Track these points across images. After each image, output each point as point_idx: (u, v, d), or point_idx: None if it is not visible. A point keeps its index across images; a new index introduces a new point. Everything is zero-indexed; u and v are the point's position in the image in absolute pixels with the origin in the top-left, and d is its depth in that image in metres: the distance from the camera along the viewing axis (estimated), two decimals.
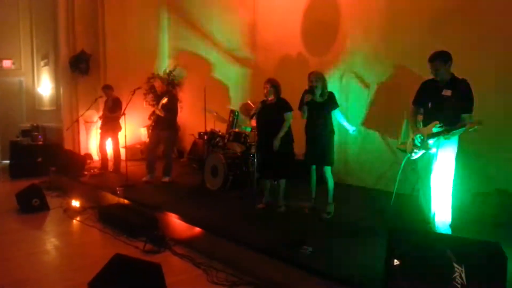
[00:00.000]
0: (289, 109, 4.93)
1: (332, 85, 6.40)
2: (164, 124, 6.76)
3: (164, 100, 6.61)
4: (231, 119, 7.33)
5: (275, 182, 5.19)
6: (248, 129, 6.03)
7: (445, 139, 3.63)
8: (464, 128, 3.50)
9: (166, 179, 6.90)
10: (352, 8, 6.53)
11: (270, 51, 7.78)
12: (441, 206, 3.76)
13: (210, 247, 4.32)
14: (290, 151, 5.06)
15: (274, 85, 4.96)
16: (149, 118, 7.14)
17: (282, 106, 4.94)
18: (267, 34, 7.89)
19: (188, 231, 4.64)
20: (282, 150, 4.88)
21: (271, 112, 4.96)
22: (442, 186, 3.73)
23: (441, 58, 3.67)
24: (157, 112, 6.68)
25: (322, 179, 4.80)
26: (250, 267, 3.81)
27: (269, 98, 4.98)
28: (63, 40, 9.80)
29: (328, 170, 4.77)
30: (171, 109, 6.76)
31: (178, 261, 4.22)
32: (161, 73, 10.24)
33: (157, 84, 7.20)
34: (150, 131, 7.20)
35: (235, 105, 7.06)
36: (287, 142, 4.97)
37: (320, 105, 4.73)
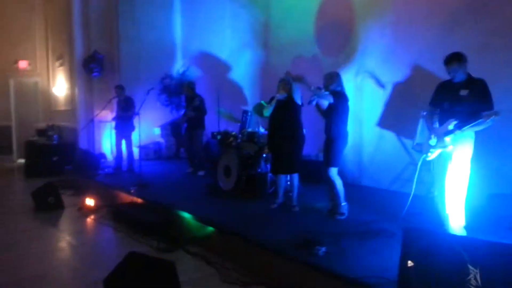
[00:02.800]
0: (301, 104, 5.02)
1: (347, 85, 6.39)
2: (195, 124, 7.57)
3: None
4: (244, 119, 7.34)
5: (288, 182, 5.20)
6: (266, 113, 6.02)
7: (461, 131, 3.58)
8: (480, 120, 3.44)
9: (202, 173, 7.54)
10: (366, 7, 6.51)
11: (283, 51, 7.78)
12: (455, 209, 3.73)
13: (223, 246, 4.34)
14: (299, 149, 5.07)
15: (287, 82, 4.99)
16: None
17: (294, 102, 4.99)
18: (281, 34, 7.89)
19: (201, 230, 4.65)
20: (291, 145, 4.94)
21: (283, 109, 5.00)
22: (456, 188, 3.70)
23: (456, 60, 3.67)
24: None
25: (328, 180, 4.72)
26: (263, 267, 3.80)
27: (283, 95, 4.99)
28: (78, 41, 9.94)
29: (333, 171, 4.68)
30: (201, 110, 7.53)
31: (191, 260, 4.24)
32: (174, 74, 10.31)
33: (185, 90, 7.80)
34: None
35: (249, 105, 7.09)
36: (295, 137, 5.00)
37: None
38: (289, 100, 5.00)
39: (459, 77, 3.70)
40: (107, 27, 9.97)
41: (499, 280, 2.49)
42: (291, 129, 4.99)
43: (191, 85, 7.66)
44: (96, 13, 9.92)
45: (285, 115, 5.00)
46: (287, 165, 5.04)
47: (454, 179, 3.68)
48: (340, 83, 4.70)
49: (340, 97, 4.65)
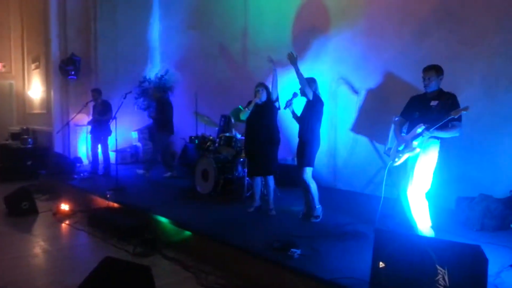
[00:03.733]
0: (278, 108, 5.15)
1: (322, 91, 6.51)
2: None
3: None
4: (222, 123, 7.38)
5: (263, 182, 5.27)
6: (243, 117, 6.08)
7: (430, 132, 3.71)
8: (450, 118, 3.57)
9: (168, 174, 7.85)
10: (340, 15, 6.65)
11: (261, 56, 7.85)
12: (420, 211, 3.87)
13: (200, 250, 4.36)
14: (275, 151, 5.16)
15: (265, 87, 5.11)
16: None
17: (271, 105, 5.09)
18: (258, 39, 7.97)
19: (178, 234, 4.66)
20: (268, 150, 5.03)
21: (261, 113, 5.08)
22: (419, 191, 3.84)
23: (434, 70, 3.86)
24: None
25: (303, 183, 4.79)
26: (240, 269, 3.85)
27: (262, 100, 5.08)
28: (54, 43, 9.79)
29: (307, 172, 4.73)
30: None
31: (168, 264, 4.24)
32: (152, 77, 10.27)
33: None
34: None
35: (227, 109, 7.12)
36: (272, 140, 5.10)
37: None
38: (266, 104, 5.09)
39: (432, 87, 3.86)
40: (84, 29, 9.87)
41: (466, 279, 2.61)
42: (267, 132, 5.07)
43: (159, 89, 7.95)
44: (73, 14, 9.81)
45: (262, 119, 5.07)
46: (263, 167, 5.11)
47: (418, 182, 3.82)
48: (316, 88, 4.81)
49: (317, 100, 4.75)
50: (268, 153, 5.08)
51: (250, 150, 5.23)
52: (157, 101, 7.87)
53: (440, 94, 3.88)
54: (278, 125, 5.17)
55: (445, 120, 3.61)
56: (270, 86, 5.10)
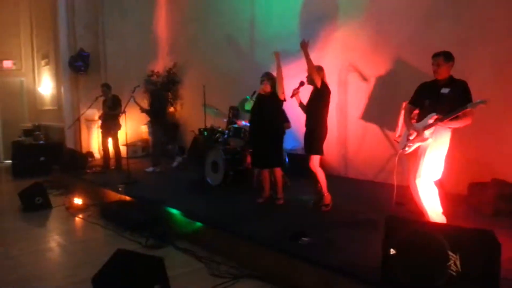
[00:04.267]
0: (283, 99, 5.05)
1: (331, 80, 6.45)
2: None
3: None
4: (230, 115, 7.37)
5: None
6: (248, 107, 6.07)
7: (443, 125, 3.67)
8: (465, 106, 3.52)
9: (150, 169, 7.74)
10: (349, 1, 6.56)
11: (268, 46, 7.81)
12: (429, 199, 3.83)
13: (212, 241, 4.39)
14: (278, 141, 5.12)
15: (270, 77, 5.04)
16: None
17: (276, 97, 5.01)
18: (266, 29, 7.92)
19: (190, 225, 4.70)
20: (273, 140, 5.00)
21: (266, 104, 5.04)
22: (429, 178, 3.79)
23: (445, 55, 3.77)
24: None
25: (311, 171, 4.79)
26: (251, 259, 3.87)
27: (266, 90, 5.04)
28: (63, 39, 9.85)
29: (314, 160, 4.71)
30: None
31: (180, 255, 4.28)
32: (161, 71, 10.30)
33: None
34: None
35: (235, 101, 7.11)
36: (276, 132, 5.07)
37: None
38: (271, 95, 5.04)
39: (441, 73, 3.78)
40: (92, 25, 9.91)
41: (477, 264, 2.58)
42: (271, 124, 5.02)
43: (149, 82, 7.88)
44: (81, 10, 9.85)
45: (266, 110, 5.03)
46: (267, 159, 5.09)
47: (427, 171, 3.78)
48: (323, 76, 4.76)
49: (324, 88, 4.71)
50: (271, 144, 5.03)
51: (254, 142, 5.21)
52: (150, 94, 7.83)
53: (451, 81, 3.79)
54: (285, 115, 5.11)
55: (460, 112, 3.54)
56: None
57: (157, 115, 7.85)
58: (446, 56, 3.77)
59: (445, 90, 3.76)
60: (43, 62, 11.48)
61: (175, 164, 7.91)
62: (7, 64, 11.97)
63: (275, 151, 5.08)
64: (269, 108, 5.02)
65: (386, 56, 6.05)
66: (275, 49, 5.03)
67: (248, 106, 5.13)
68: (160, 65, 10.52)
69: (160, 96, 8.12)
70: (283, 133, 5.17)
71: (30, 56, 12.19)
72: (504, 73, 4.87)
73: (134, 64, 9.89)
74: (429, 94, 3.88)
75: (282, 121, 5.16)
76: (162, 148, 8.42)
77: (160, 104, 7.88)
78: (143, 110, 7.68)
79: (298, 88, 4.74)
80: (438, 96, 3.78)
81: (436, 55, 3.81)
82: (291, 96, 4.78)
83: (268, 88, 5.02)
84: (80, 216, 5.95)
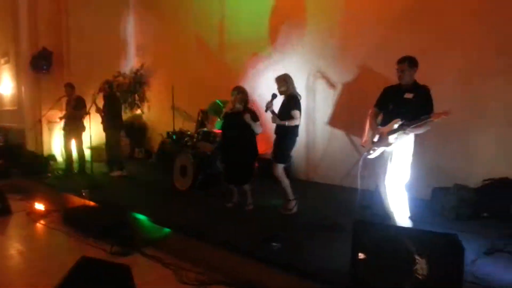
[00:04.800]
0: (257, 119, 4.92)
1: (299, 85, 6.50)
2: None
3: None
4: (199, 118, 7.31)
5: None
6: (218, 126, 6.02)
7: (405, 133, 3.77)
8: (425, 117, 3.62)
9: (117, 173, 7.52)
10: (317, 8, 6.65)
11: (238, 50, 7.82)
12: (398, 202, 3.94)
13: (179, 247, 4.32)
14: (252, 161, 5.10)
15: (241, 92, 4.95)
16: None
17: (250, 116, 4.86)
18: (235, 32, 7.92)
19: (157, 231, 4.61)
20: (245, 161, 4.96)
21: (237, 122, 4.88)
22: (397, 184, 3.90)
23: (409, 61, 3.87)
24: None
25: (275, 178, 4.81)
26: (219, 265, 3.83)
27: (236, 107, 4.94)
28: (25, 37, 9.50)
29: (279, 168, 4.74)
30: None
31: (147, 262, 4.19)
32: (127, 72, 10.10)
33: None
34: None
35: (205, 103, 7.06)
36: (251, 153, 5.02)
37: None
38: (243, 112, 4.89)
39: (405, 79, 3.89)
40: (56, 22, 9.59)
41: (444, 268, 2.66)
42: (244, 143, 4.93)
43: (107, 83, 7.50)
44: (44, 7, 9.52)
45: (240, 128, 4.87)
46: (242, 177, 5.04)
47: (395, 176, 3.88)
48: (293, 85, 4.80)
49: (294, 100, 4.74)
50: (243, 164, 4.98)
51: (226, 158, 5.14)
52: (107, 96, 7.45)
53: (415, 87, 3.90)
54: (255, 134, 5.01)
55: (424, 122, 3.64)
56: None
57: (116, 118, 7.52)
58: (411, 62, 3.87)
59: (409, 95, 3.87)
60: (2, 61, 11.02)
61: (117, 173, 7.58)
62: None
63: (246, 170, 5.02)
64: (241, 126, 4.85)
65: (353, 63, 6.17)
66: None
67: (218, 125, 5.03)
68: (127, 66, 10.31)
69: (118, 98, 7.85)
70: (256, 154, 5.07)
71: None
72: (469, 82, 5.07)
73: (99, 64, 9.62)
74: (393, 98, 3.98)
75: (255, 139, 5.02)
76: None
77: (116, 107, 7.55)
78: (99, 111, 7.41)
79: (271, 102, 4.73)
80: (402, 101, 3.88)
81: (400, 61, 3.90)
82: (266, 111, 4.71)
83: (239, 105, 4.91)
84: (42, 222, 5.72)
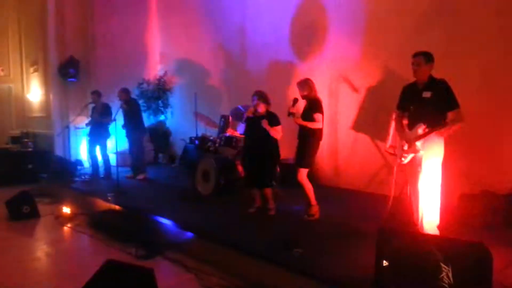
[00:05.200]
0: (278, 124, 4.93)
1: (322, 90, 6.47)
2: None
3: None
4: (222, 123, 7.36)
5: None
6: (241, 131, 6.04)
7: (428, 133, 3.68)
8: (444, 124, 3.56)
9: (141, 177, 7.78)
10: (339, 12, 6.62)
11: (259, 55, 7.85)
12: (429, 208, 3.83)
13: (202, 251, 4.34)
14: (274, 165, 5.11)
15: (262, 97, 4.95)
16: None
17: (271, 120, 4.89)
18: (256, 38, 7.95)
19: (180, 235, 4.65)
20: (266, 164, 4.96)
21: (259, 126, 4.88)
22: (430, 189, 3.80)
23: (424, 55, 3.78)
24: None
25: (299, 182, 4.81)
26: (241, 270, 3.84)
27: (259, 111, 4.96)
28: (52, 46, 9.77)
29: (302, 173, 4.74)
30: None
31: (170, 266, 4.23)
32: (151, 79, 10.27)
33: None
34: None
35: (226, 109, 7.11)
36: (273, 156, 5.03)
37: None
38: (267, 116, 4.93)
39: (422, 75, 3.79)
40: (82, 32, 9.84)
41: (471, 277, 2.59)
42: (266, 147, 4.94)
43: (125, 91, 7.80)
44: (71, 17, 9.78)
45: (261, 132, 4.87)
46: (260, 181, 5.04)
47: (426, 182, 3.79)
48: (313, 89, 4.79)
49: (317, 103, 4.73)
50: (266, 168, 4.97)
51: (248, 163, 5.15)
52: (126, 103, 7.68)
53: (431, 83, 3.79)
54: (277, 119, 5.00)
55: (446, 127, 3.56)
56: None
57: (139, 123, 7.85)
58: (426, 56, 3.78)
59: (426, 94, 3.77)
60: (32, 69, 11.36)
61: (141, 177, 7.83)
62: None
63: (268, 174, 5.01)
64: (262, 130, 4.86)
65: (376, 66, 6.09)
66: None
67: (240, 129, 5.07)
68: (151, 73, 10.48)
69: (138, 103, 8.14)
70: (279, 156, 5.09)
71: (18, 63, 12.05)
72: (494, 84, 4.93)
73: (124, 72, 9.82)
74: (412, 99, 3.89)
75: (276, 144, 5.03)
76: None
77: (136, 112, 7.83)
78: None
79: (293, 106, 4.74)
80: (421, 101, 3.79)
81: (416, 55, 3.81)
82: (288, 115, 4.74)
83: (262, 108, 4.94)
84: (69, 225, 5.86)
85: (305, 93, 4.76)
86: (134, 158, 7.93)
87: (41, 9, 10.02)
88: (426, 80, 3.81)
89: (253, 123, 4.99)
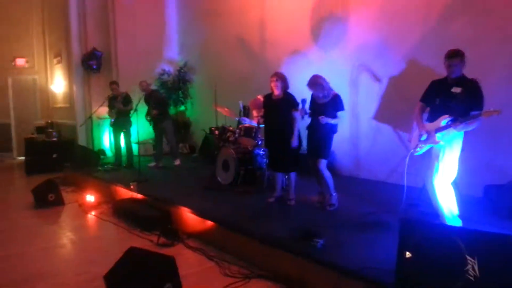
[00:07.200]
0: (296, 106, 4.87)
1: (342, 80, 6.39)
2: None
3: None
4: (241, 113, 7.35)
5: (286, 177, 5.24)
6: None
7: (454, 130, 3.62)
8: (475, 113, 3.47)
9: (178, 162, 8.23)
10: (360, 1, 6.49)
11: (279, 46, 7.78)
12: (446, 201, 3.78)
13: (222, 240, 4.37)
14: (296, 148, 5.05)
15: (281, 79, 4.91)
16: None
17: (289, 102, 4.88)
18: (276, 29, 7.88)
19: (201, 224, 4.69)
20: (288, 147, 4.91)
21: (278, 107, 4.93)
22: (445, 180, 3.74)
23: (460, 56, 3.70)
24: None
25: (318, 172, 4.79)
26: (262, 260, 3.84)
27: (276, 93, 4.96)
28: (75, 38, 9.94)
29: (322, 163, 4.73)
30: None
31: (191, 254, 4.28)
32: (171, 70, 10.32)
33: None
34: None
35: (246, 100, 7.09)
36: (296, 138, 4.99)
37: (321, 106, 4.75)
38: (283, 98, 4.92)
39: (456, 74, 3.72)
40: (104, 23, 9.96)
41: (496, 269, 2.53)
42: (288, 129, 4.89)
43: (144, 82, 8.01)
44: (92, 9, 9.91)
45: (280, 114, 4.89)
46: (284, 164, 5.04)
47: (444, 172, 3.73)
48: (326, 87, 4.67)
49: (339, 100, 4.69)
50: (288, 150, 4.93)
51: (270, 145, 5.16)
52: (151, 94, 7.92)
53: (462, 80, 3.72)
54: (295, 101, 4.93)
55: (474, 119, 3.48)
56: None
57: (166, 111, 8.14)
58: (462, 57, 3.70)
59: (456, 89, 3.69)
60: (55, 60, 11.58)
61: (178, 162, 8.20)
62: (20, 62, 12.11)
63: (291, 157, 4.97)
64: (283, 112, 4.86)
65: (398, 56, 5.96)
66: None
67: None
68: (171, 64, 10.54)
69: (157, 92, 8.46)
70: (300, 137, 5.04)
71: (42, 55, 12.31)
72: None
73: (145, 63, 9.92)
74: (440, 93, 3.82)
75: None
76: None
77: (162, 100, 8.08)
78: (155, 106, 7.76)
79: (303, 109, 4.74)
80: (449, 95, 3.72)
81: (452, 56, 3.70)
82: (302, 118, 4.79)
83: (278, 91, 4.90)
84: (92, 213, 5.98)
85: (321, 94, 4.67)
86: (170, 146, 8.33)
87: (64, 1, 10.17)
88: (458, 78, 3.74)
89: (273, 104, 4.98)
